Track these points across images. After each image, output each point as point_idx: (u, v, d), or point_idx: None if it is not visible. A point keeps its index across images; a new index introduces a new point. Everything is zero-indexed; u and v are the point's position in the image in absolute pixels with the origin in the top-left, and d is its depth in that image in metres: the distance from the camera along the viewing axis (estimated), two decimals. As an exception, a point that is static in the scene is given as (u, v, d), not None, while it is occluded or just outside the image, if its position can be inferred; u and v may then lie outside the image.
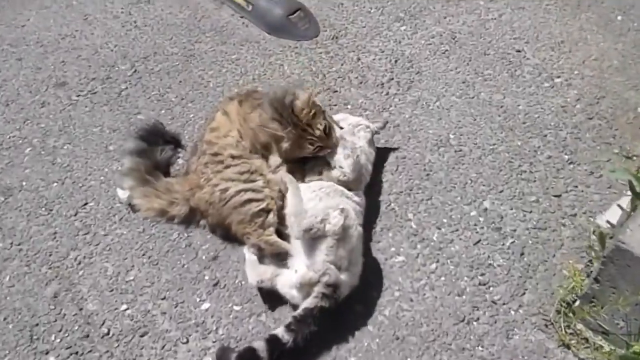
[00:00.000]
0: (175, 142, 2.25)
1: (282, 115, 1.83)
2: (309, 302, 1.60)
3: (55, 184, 2.16)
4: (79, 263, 1.90)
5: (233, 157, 1.89)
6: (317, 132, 1.84)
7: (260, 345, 1.53)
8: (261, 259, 1.78)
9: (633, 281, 1.48)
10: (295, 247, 1.74)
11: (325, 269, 1.62)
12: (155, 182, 1.99)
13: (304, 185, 1.88)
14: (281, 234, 1.84)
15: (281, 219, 1.85)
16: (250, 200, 1.82)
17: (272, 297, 1.75)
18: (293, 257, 1.74)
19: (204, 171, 1.89)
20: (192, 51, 2.74)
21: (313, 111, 1.85)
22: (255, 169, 1.89)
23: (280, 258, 1.77)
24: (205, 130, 1.99)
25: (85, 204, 2.08)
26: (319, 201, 1.77)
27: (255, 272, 1.75)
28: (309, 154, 1.88)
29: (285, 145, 1.84)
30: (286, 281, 1.70)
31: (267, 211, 1.83)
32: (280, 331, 1.56)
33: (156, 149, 2.12)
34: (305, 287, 1.63)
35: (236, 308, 1.76)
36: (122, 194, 2.03)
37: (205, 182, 1.87)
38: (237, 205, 1.83)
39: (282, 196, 1.87)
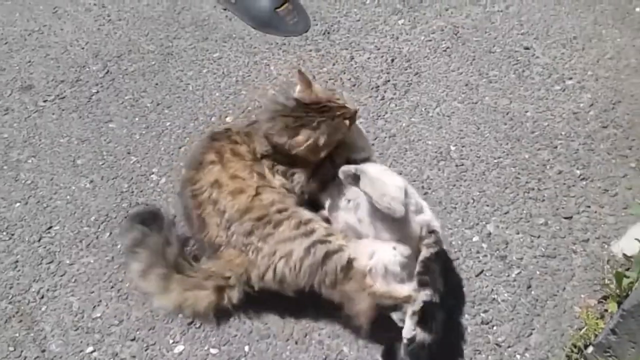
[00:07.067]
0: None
1: (296, 113, 1.53)
2: (423, 255, 1.46)
3: (18, 204, 1.97)
4: (42, 297, 1.73)
5: (280, 211, 1.53)
6: (340, 100, 1.59)
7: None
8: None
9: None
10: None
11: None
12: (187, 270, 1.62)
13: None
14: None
15: None
16: (328, 254, 1.46)
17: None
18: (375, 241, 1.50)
19: (246, 242, 1.51)
20: (170, 49, 2.51)
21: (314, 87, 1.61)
22: (308, 218, 1.54)
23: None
24: (220, 196, 1.55)
25: (50, 227, 1.90)
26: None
27: None
28: (347, 132, 1.59)
29: (323, 138, 1.51)
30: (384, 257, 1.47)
31: (353, 259, 1.47)
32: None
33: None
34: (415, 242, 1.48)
35: (213, 351, 1.60)
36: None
37: (255, 255, 1.50)
38: (316, 265, 1.46)
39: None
